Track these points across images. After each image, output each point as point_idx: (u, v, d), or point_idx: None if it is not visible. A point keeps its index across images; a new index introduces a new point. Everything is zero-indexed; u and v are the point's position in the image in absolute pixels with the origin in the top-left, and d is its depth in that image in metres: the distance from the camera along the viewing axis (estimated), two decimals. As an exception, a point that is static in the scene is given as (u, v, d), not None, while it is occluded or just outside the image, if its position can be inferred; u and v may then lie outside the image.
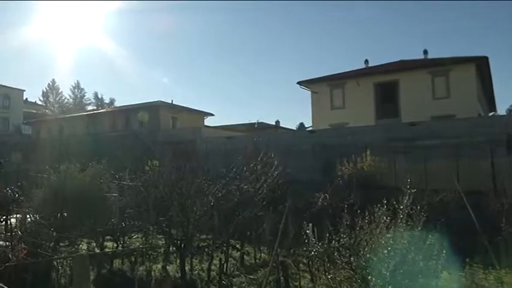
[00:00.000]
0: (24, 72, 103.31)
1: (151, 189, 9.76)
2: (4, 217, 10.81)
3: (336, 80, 32.44)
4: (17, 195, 11.14)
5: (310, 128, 32.41)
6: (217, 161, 14.50)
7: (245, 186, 10.49)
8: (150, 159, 11.75)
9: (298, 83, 33.77)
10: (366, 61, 36.19)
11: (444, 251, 5.34)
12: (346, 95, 31.80)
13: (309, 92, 33.51)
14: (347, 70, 33.84)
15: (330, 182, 13.76)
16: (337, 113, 31.31)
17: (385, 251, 5.27)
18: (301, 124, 56.53)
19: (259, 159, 11.50)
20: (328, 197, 12.01)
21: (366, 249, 5.60)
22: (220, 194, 9.94)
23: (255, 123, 42.23)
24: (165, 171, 10.04)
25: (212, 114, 44.22)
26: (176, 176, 9.63)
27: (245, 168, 10.97)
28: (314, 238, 7.72)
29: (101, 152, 15.89)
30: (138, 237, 11.16)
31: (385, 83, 30.54)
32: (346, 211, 6.59)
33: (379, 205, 5.91)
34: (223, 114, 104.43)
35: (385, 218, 5.74)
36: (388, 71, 30.68)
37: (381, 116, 29.69)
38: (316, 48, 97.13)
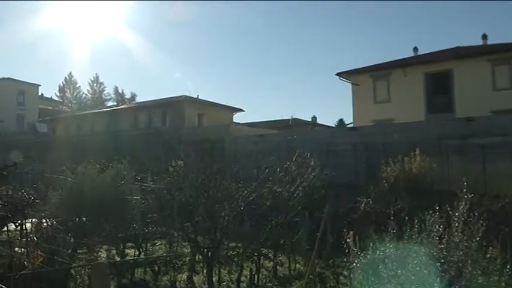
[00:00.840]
0: (39, 65, 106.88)
1: (175, 192, 9.89)
2: (19, 221, 11.20)
3: (379, 71, 31.98)
4: (32, 198, 11.51)
5: (351, 125, 32.10)
6: (248, 162, 14.54)
7: (278, 190, 10.48)
8: (174, 159, 11.90)
9: (338, 74, 33.48)
10: (415, 49, 35.54)
11: (508, 266, 5.18)
12: (391, 87, 31.30)
13: (349, 85, 33.18)
14: (392, 59, 33.33)
15: (373, 185, 13.58)
16: (381, 107, 30.86)
17: (438, 264, 5.15)
18: (341, 120, 55.85)
19: (293, 159, 11.46)
20: (371, 201, 11.86)
21: (415, 261, 5.49)
22: (251, 198, 9.97)
23: (289, 119, 42.16)
24: (191, 173, 10.14)
25: (242, 110, 44.42)
26: (203, 178, 9.72)
27: (278, 169, 10.96)
28: (356, 248, 7.64)
29: (121, 151, 16.26)
30: (161, 244, 11.35)
31: (437, 73, 29.85)
32: (392, 218, 6.49)
33: (430, 211, 5.78)
34: (254, 110, 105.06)
35: (437, 226, 5.61)
36: (441, 59, 29.97)
37: (431, 111, 29.06)
38: (357, 36, 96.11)
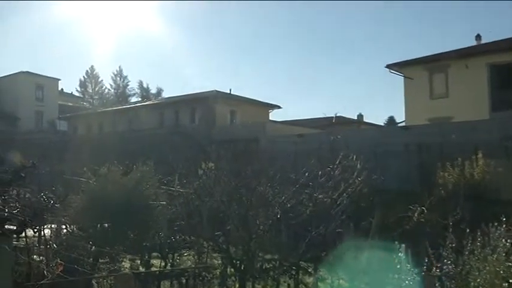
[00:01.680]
0: (59, 58, 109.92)
1: (205, 198, 9.98)
2: (37, 228, 11.52)
3: (436, 62, 31.37)
4: (51, 202, 11.82)
5: (403, 124, 31.60)
6: (286, 164, 14.52)
7: (320, 196, 10.42)
8: (204, 161, 12.03)
9: (388, 66, 33.04)
10: (478, 36, 34.68)
11: None
12: (450, 80, 30.66)
13: (401, 78, 32.68)
14: (451, 49, 32.62)
15: (428, 192, 13.33)
16: (437, 103, 30.26)
17: (505, 284, 5.02)
18: (391, 118, 55.20)
19: (337, 162, 11.37)
20: (426, 211, 11.65)
21: (478, 280, 5.38)
22: (288, 205, 9.95)
23: (332, 117, 41.88)
24: (223, 176, 10.21)
25: (279, 107, 44.41)
26: (235, 182, 9.77)
27: (320, 173, 10.89)
28: (408, 263, 7.52)
29: (146, 152, 16.54)
30: (189, 255, 11.47)
31: (504, 64, 29.03)
32: (450, 230, 6.37)
33: (495, 223, 5.64)
34: (292, 107, 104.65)
35: (504, 240, 5.47)
36: (509, 48, 29.13)
37: (497, 108, 28.26)
38: (409, 23, 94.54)
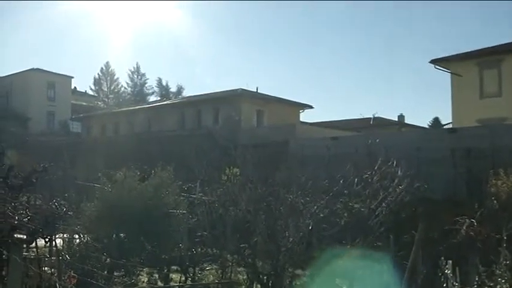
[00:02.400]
0: (72, 54, 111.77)
1: (230, 206, 10.00)
2: (49, 237, 11.70)
3: (488, 56, 30.87)
4: (64, 210, 12.00)
5: (449, 125, 31.19)
6: (318, 170, 14.46)
7: (356, 205, 10.35)
8: (229, 166, 12.06)
9: (433, 61, 32.66)
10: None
11: None
12: (503, 77, 30.12)
13: (448, 75, 32.27)
14: (506, 42, 32.04)
15: (478, 202, 13.10)
16: (489, 103, 29.76)
17: None
18: (436, 120, 54.50)
19: (375, 168, 11.28)
20: (476, 223, 11.45)
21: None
22: (321, 215, 9.90)
23: (369, 118, 41.58)
24: (249, 183, 10.22)
25: (310, 107, 44.28)
26: (263, 189, 9.77)
27: (356, 180, 10.82)
28: (456, 281, 7.41)
29: (166, 155, 16.65)
30: (212, 269, 11.50)
31: None
32: (504, 245, 6.25)
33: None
34: (325, 106, 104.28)
35: None
36: None
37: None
38: (454, 14, 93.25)
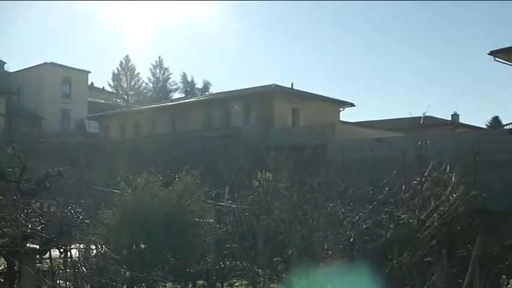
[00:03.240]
0: (89, 47, 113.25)
1: (262, 215, 10.01)
2: (64, 247, 11.89)
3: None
4: (80, 218, 12.19)
5: (511, 126, 30.66)
6: (360, 176, 14.38)
7: (404, 216, 10.25)
8: (261, 170, 12.06)
9: (492, 53, 32.11)
10: None
11: None
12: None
13: (510, 68, 31.73)
14: None
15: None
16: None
17: None
18: (495, 119, 53.68)
19: (426, 173, 11.16)
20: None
21: None
22: (364, 226, 9.85)
23: (419, 117, 41.04)
24: (283, 189, 10.22)
25: (352, 104, 44.01)
26: (299, 196, 9.75)
27: (404, 187, 10.72)
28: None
29: (191, 158, 16.74)
30: (241, 284, 11.54)
31: None
32: None
33: None
34: (367, 104, 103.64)
35: None
36: None
37: None
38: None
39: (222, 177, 13.16)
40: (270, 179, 11.65)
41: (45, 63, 63.10)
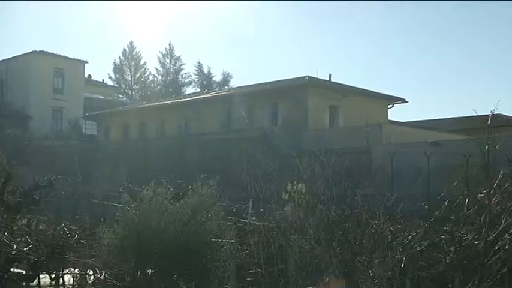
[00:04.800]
0: (86, 33, 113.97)
1: (293, 235, 9.99)
2: (55, 272, 11.96)
3: None
4: (75, 237, 12.25)
5: None
6: (413, 187, 14.28)
7: (467, 237, 10.15)
8: (291, 180, 12.02)
9: None
10: None
11: None
12: None
13: None
14: None
15: None
16: None
17: None
18: None
19: (494, 185, 11.04)
20: None
21: None
22: (418, 249, 9.77)
23: (485, 116, 40.62)
24: (318, 204, 10.18)
25: (403, 101, 43.74)
26: (338, 212, 9.71)
27: (467, 201, 10.62)
28: None
29: (208, 166, 16.75)
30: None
31: None
32: None
33: None
34: (422, 100, 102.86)
35: None
36: None
37: None
38: None
39: (245, 188, 13.15)
40: (303, 190, 11.61)
41: (34, 52, 63.28)
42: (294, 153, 13.22)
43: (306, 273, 9.83)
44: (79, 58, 67.97)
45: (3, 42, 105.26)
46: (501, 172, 11.10)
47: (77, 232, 12.41)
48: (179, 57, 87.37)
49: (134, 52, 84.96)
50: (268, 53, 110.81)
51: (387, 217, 9.84)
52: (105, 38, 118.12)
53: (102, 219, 12.22)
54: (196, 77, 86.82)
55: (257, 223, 11.95)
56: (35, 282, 11.65)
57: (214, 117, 42.43)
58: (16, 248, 10.07)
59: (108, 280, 10.70)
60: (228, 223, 12.26)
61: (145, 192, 11.24)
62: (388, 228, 9.81)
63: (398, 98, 43.40)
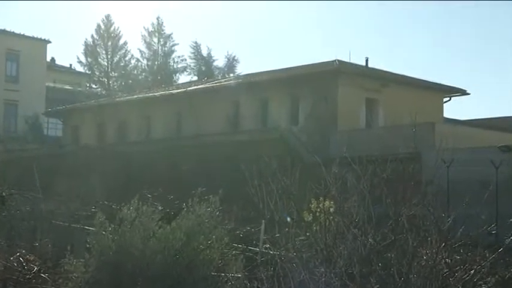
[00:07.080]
0: (47, 4, 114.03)
1: (318, 267, 10.02)
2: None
3: None
4: (35, 269, 12.30)
5: None
6: (476, 205, 14.29)
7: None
8: (316, 196, 12.04)
9: None
10: None
11: None
12: None
13: None
14: None
15: None
16: None
17: None
18: None
19: None
20: None
21: None
22: (483, 286, 9.78)
23: None
24: (352, 227, 10.21)
25: (464, 92, 43.56)
26: (377, 238, 9.74)
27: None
28: None
29: (207, 175, 16.76)
30: None
31: None
32: None
33: None
34: (487, 92, 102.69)
35: None
36: None
37: None
38: None
39: (256, 206, 13.18)
40: (332, 210, 11.63)
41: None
42: (319, 160, 13.25)
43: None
44: (39, 36, 68.02)
45: None
46: None
47: (36, 264, 12.46)
48: (170, 35, 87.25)
49: (112, 28, 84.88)
50: (285, 31, 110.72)
51: (442, 245, 9.86)
52: (73, 10, 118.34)
53: (69, 247, 12.26)
54: (192, 61, 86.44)
55: (271, 252, 11.96)
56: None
57: (216, 113, 42.31)
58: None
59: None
60: (234, 252, 12.30)
61: (125, 211, 11.29)
62: (443, 260, 9.82)
63: (457, 88, 43.11)
